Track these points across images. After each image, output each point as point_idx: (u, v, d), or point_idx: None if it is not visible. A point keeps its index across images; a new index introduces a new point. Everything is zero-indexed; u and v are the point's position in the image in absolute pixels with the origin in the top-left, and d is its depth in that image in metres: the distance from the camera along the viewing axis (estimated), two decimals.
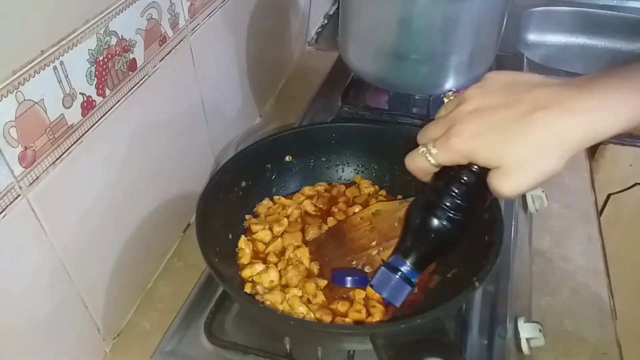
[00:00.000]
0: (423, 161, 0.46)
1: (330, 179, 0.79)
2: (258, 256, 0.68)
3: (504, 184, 0.41)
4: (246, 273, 0.64)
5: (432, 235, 0.49)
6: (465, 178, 0.46)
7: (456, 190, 0.47)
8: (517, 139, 0.40)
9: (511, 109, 0.40)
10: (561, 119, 0.38)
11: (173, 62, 0.69)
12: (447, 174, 0.47)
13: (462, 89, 0.47)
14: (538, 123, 0.39)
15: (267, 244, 0.68)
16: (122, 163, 0.63)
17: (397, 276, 0.50)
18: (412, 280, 0.51)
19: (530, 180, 0.40)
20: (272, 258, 0.66)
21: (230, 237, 0.69)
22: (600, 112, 0.38)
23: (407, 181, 0.75)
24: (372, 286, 0.52)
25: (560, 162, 0.39)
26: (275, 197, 0.75)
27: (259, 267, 0.64)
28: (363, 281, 0.60)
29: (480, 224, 0.62)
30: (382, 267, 0.51)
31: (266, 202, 0.74)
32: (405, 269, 0.50)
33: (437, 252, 0.52)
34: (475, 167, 0.45)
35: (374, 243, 0.64)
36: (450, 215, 0.47)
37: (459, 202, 0.47)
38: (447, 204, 0.47)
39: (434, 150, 0.45)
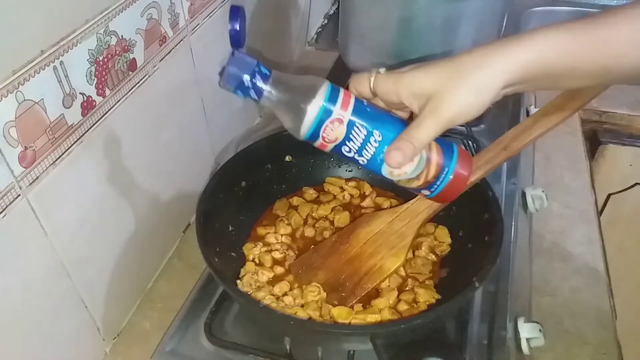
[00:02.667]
0: (363, 79, 0.47)
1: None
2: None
3: (448, 107, 0.43)
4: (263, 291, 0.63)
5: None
6: None
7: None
8: (456, 67, 0.43)
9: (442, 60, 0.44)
10: (487, 59, 0.42)
11: (173, 62, 0.69)
12: None
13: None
14: (464, 57, 0.43)
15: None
16: (121, 163, 0.63)
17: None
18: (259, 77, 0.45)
19: (467, 107, 0.42)
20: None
21: (231, 237, 0.69)
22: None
23: None
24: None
25: (490, 91, 0.42)
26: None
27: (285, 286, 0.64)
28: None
29: (481, 224, 0.62)
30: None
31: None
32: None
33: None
34: None
35: (380, 256, 0.64)
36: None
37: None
38: None
39: (382, 70, 0.47)
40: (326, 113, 0.45)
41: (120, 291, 0.66)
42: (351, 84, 0.49)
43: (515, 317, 0.64)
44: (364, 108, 0.46)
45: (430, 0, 0.79)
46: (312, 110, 0.45)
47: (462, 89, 0.42)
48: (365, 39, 0.88)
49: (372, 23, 0.85)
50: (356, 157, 0.47)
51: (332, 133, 0.45)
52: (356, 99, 0.46)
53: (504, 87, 0.41)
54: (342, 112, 0.45)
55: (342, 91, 0.46)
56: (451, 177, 0.47)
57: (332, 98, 0.45)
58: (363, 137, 0.45)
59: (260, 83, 0.45)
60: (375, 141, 0.45)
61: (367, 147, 0.46)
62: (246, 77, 0.44)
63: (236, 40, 0.60)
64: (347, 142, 0.46)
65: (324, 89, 0.45)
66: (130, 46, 0.60)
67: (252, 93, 0.45)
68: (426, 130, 0.43)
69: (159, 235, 0.74)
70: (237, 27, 0.59)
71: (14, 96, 0.45)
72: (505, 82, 0.41)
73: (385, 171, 0.47)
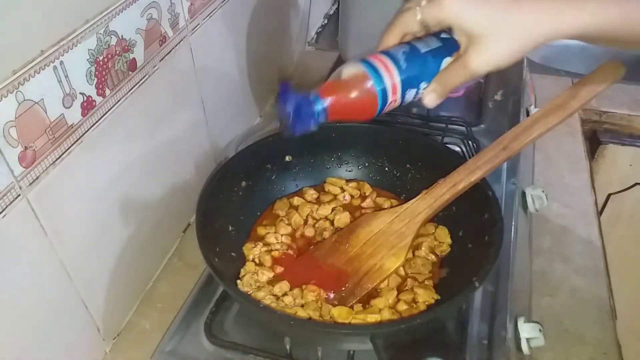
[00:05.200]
0: (409, 15, 0.48)
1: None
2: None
3: (476, 59, 0.45)
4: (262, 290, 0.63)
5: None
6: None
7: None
8: (507, 14, 0.43)
9: None
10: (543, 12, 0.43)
11: (173, 62, 0.69)
12: None
13: None
14: (525, 8, 0.43)
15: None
16: (122, 163, 0.63)
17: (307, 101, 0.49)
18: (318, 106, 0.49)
19: (500, 59, 0.45)
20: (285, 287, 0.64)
21: (231, 237, 0.69)
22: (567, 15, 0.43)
23: (406, 181, 0.75)
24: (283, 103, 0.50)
25: (526, 48, 0.44)
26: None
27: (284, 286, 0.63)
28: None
29: (481, 224, 0.62)
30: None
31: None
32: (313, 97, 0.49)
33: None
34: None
35: (380, 256, 0.64)
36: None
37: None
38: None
39: (424, 3, 0.47)
40: (384, 96, 0.49)
41: (120, 291, 0.66)
42: (396, 26, 0.51)
43: (515, 317, 0.64)
44: (404, 67, 0.49)
45: None
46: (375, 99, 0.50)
47: (503, 44, 0.44)
48: (365, 39, 0.88)
49: (372, 23, 0.85)
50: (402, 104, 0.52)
51: (391, 105, 0.51)
52: (395, 65, 0.50)
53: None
54: (392, 82, 0.49)
55: (380, 65, 0.50)
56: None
57: (379, 78, 0.49)
58: (414, 93, 0.50)
59: (322, 118, 0.49)
60: (421, 89, 0.50)
61: (414, 95, 0.51)
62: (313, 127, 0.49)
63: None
64: (403, 101, 0.51)
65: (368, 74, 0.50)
66: (130, 46, 0.60)
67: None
68: (462, 77, 0.47)
69: (159, 235, 0.74)
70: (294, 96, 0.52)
71: (14, 96, 0.45)
72: (543, 42, 0.43)
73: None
